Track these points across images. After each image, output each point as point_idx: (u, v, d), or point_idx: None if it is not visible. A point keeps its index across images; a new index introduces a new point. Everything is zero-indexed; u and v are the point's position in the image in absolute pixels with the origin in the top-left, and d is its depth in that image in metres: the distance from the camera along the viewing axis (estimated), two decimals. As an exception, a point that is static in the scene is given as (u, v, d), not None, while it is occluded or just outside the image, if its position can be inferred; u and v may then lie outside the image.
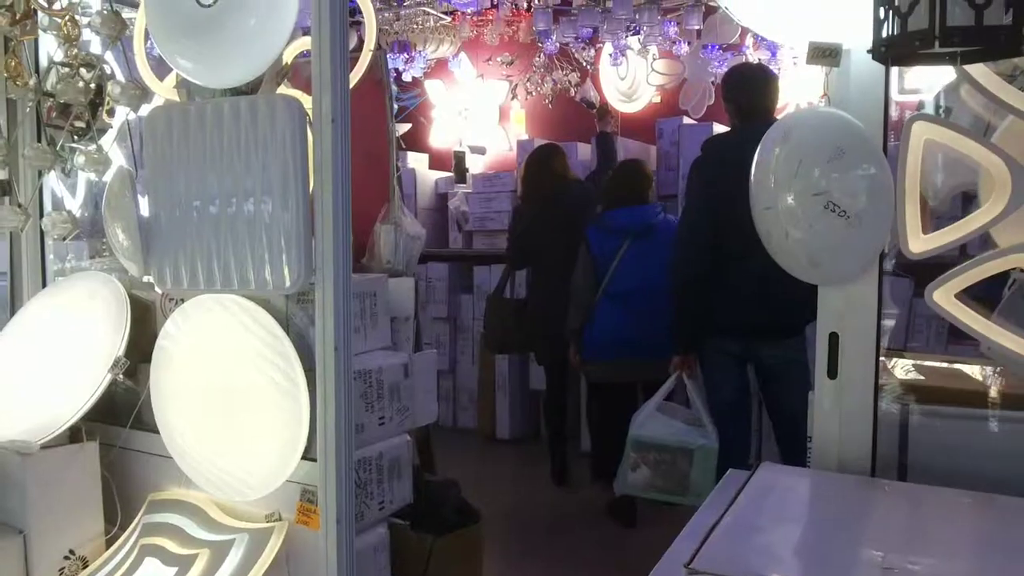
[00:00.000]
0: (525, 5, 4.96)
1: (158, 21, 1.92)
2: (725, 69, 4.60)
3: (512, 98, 5.90)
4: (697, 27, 4.35)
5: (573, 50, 5.23)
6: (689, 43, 4.59)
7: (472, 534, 2.54)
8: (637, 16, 4.00)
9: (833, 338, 1.41)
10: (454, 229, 5.70)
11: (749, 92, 3.12)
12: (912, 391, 1.42)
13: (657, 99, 5.47)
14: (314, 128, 1.84)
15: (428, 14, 5.07)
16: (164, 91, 2.16)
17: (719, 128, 4.88)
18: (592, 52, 5.37)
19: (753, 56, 4.53)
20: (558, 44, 4.81)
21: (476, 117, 6.06)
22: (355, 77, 2.10)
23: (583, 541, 3.86)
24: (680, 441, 3.03)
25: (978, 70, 1.19)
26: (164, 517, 2.08)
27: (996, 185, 1.20)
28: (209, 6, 1.85)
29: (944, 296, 1.23)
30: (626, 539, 3.86)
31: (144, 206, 2.02)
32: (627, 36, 4.29)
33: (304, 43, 2.05)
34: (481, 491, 2.87)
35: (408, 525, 2.32)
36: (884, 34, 1.01)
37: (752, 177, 1.45)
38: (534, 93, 5.59)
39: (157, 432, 2.10)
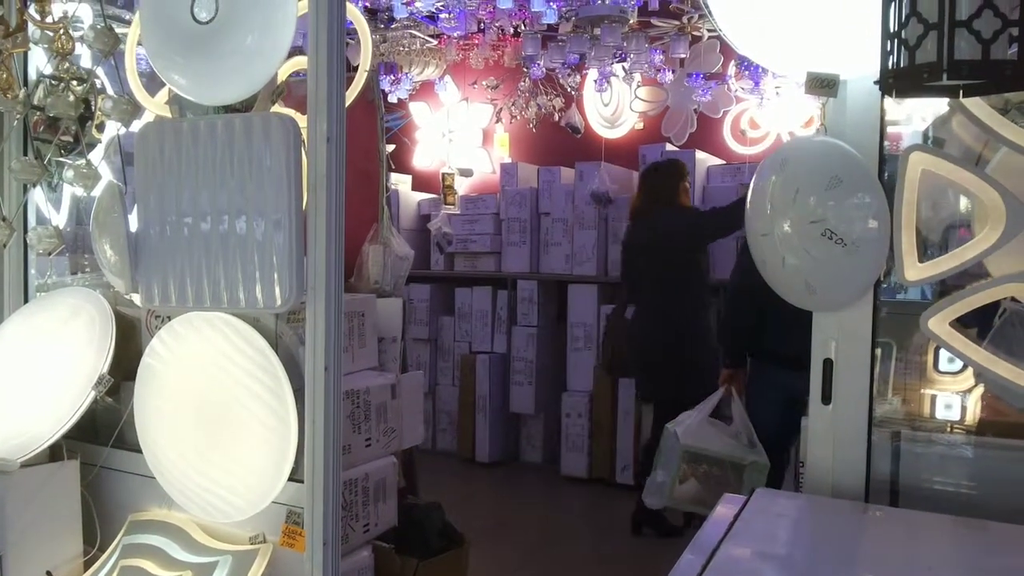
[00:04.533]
0: (511, 30, 5.00)
1: (153, 37, 1.91)
2: (709, 98, 4.66)
3: (496, 121, 5.94)
4: (683, 55, 4.41)
5: (558, 75, 5.28)
6: (673, 71, 4.64)
7: (456, 557, 2.52)
8: (625, 43, 4.04)
9: (827, 364, 1.42)
10: (435, 251, 5.71)
11: None
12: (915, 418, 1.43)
13: (640, 125, 5.52)
14: (309, 147, 1.84)
15: (415, 36, 5.09)
16: (155, 107, 2.14)
17: (702, 155, 4.94)
18: (577, 78, 5.42)
19: (735, 85, 4.59)
20: (544, 69, 4.85)
21: (460, 139, 6.08)
22: (349, 97, 2.10)
23: (572, 560, 3.84)
24: (732, 455, 2.96)
25: (973, 103, 1.21)
26: (145, 538, 2.04)
27: (991, 216, 1.22)
28: (206, 23, 1.85)
29: (939, 324, 1.25)
30: (614, 560, 3.85)
31: (133, 222, 2.00)
32: (613, 63, 4.33)
33: (299, 62, 2.05)
34: (463, 514, 2.85)
35: (392, 548, 2.30)
36: (890, 66, 1.03)
37: (748, 204, 1.46)
38: (518, 117, 5.62)
39: (139, 451, 2.07)
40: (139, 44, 2.13)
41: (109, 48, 2.04)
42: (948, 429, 1.44)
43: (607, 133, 5.58)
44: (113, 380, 2.07)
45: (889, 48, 1.03)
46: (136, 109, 2.03)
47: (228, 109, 1.99)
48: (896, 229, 1.25)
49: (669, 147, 5.04)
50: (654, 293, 3.95)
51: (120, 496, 2.17)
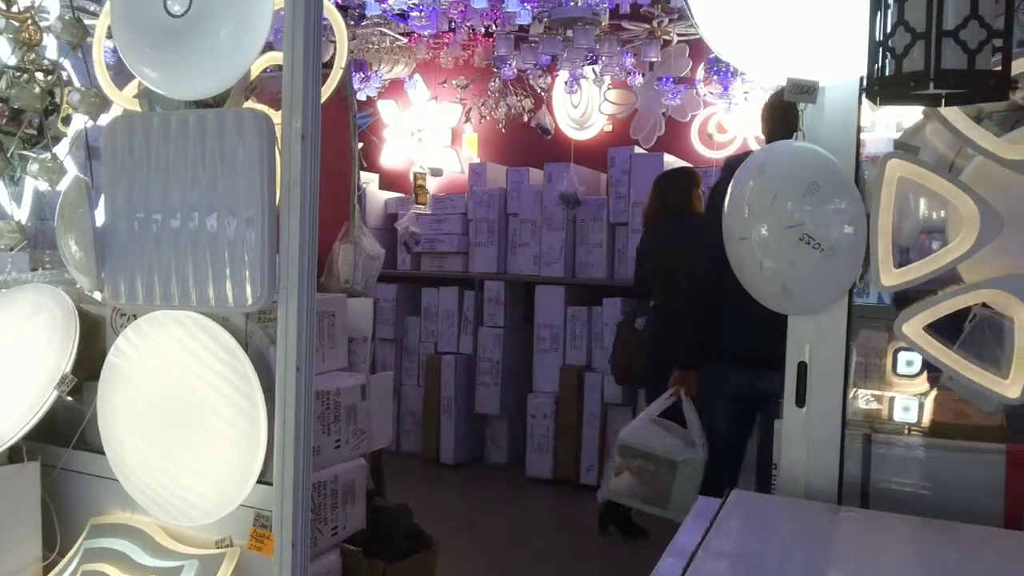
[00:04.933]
0: (483, 30, 4.99)
1: (124, 29, 1.87)
2: (678, 101, 4.69)
3: (466, 121, 5.92)
4: (654, 59, 4.43)
5: (528, 76, 5.28)
6: (643, 74, 4.67)
7: (424, 560, 2.50)
8: (597, 46, 4.05)
9: (801, 367, 1.43)
10: (402, 250, 5.67)
11: (767, 114, 3.20)
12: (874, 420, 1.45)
13: (608, 128, 5.55)
14: (283, 144, 1.81)
15: (384, 35, 5.05)
16: (124, 101, 2.10)
17: (670, 159, 4.98)
18: (548, 79, 5.43)
19: (704, 90, 4.62)
20: (515, 70, 4.85)
21: (428, 139, 6.06)
22: (324, 94, 2.08)
23: (540, 562, 3.84)
24: (667, 452, 3.01)
25: (950, 112, 1.23)
26: (107, 542, 2.00)
27: (965, 222, 1.24)
28: (179, 16, 1.81)
29: (913, 329, 1.27)
30: (581, 560, 3.85)
31: (99, 217, 1.96)
32: (584, 65, 4.34)
33: (272, 58, 2.02)
34: (429, 516, 2.83)
35: (360, 551, 2.27)
36: (876, 74, 1.04)
37: (725, 208, 1.47)
38: (488, 117, 5.61)
39: (102, 453, 2.02)
40: (108, 36, 2.09)
41: (78, 40, 2.00)
42: (906, 431, 1.46)
43: (576, 135, 5.59)
44: (76, 380, 2.01)
45: (875, 56, 1.04)
46: (104, 102, 1.99)
47: (199, 104, 1.96)
48: (873, 235, 1.27)
49: (638, 150, 5.07)
50: (666, 300, 3.90)
51: (81, 499, 2.12)
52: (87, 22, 2.05)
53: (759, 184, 1.37)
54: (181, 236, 1.85)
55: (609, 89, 5.34)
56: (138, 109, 2.18)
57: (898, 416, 1.57)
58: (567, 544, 4.10)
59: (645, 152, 5.10)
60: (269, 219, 1.80)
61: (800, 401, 1.43)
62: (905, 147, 1.34)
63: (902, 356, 1.56)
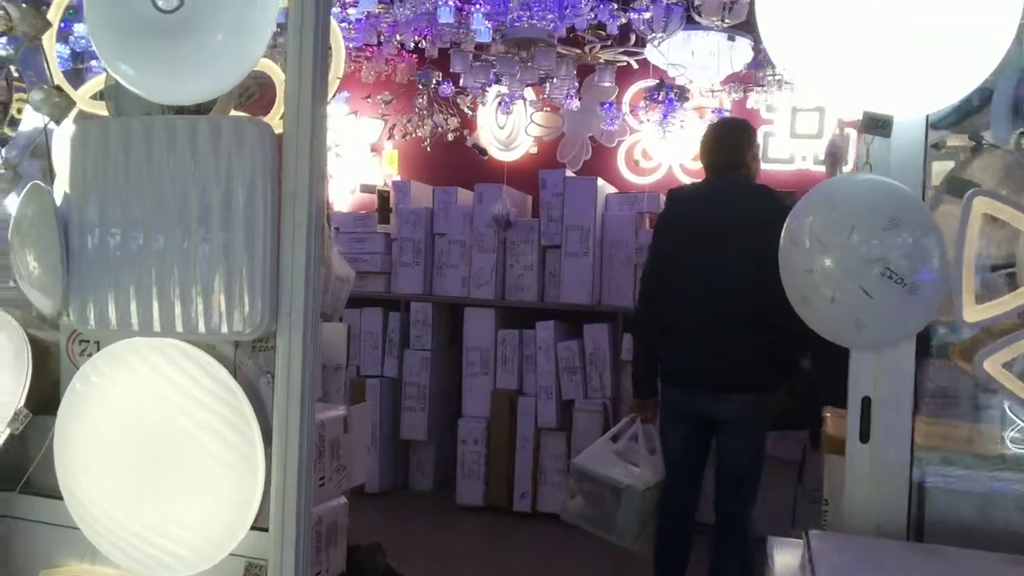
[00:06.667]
0: (411, 45, 4.87)
1: (101, 19, 1.67)
2: (615, 127, 4.72)
3: (389, 137, 5.77)
4: (607, 83, 4.44)
5: (470, 93, 5.14)
6: (580, 98, 4.67)
7: (400, 603, 2.35)
8: (553, 68, 4.02)
9: (865, 402, 1.41)
10: (321, 270, 5.43)
11: (706, 147, 3.18)
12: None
13: (534, 150, 5.52)
14: (287, 156, 1.67)
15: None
16: (83, 102, 1.88)
17: (603, 183, 4.99)
18: (472, 99, 5.35)
19: (644, 116, 4.66)
20: (453, 88, 4.75)
21: (348, 154, 5.86)
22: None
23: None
24: (612, 478, 3.01)
25: None
26: (62, 598, 1.77)
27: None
28: (169, 12, 1.63)
29: (993, 365, 1.26)
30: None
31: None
32: (526, 87, 4.29)
33: (264, 64, 1.87)
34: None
35: (339, 597, 2.11)
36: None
37: (785, 240, 1.44)
38: (414, 134, 5.48)
39: (56, 497, 1.79)
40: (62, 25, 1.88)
41: (36, 32, 1.78)
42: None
43: (501, 156, 5.54)
44: (31, 416, 1.78)
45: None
46: (70, 103, 1.78)
47: (179, 110, 1.78)
48: (956, 270, 1.26)
49: (569, 172, 5.07)
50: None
51: (28, 550, 1.87)
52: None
53: (831, 217, 1.35)
54: (166, 256, 1.67)
55: (536, 112, 5.33)
56: (96, 112, 1.97)
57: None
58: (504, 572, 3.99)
59: (574, 175, 5.10)
60: (271, 237, 1.65)
61: (864, 437, 1.40)
62: (962, 181, 1.35)
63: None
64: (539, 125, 5.35)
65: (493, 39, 3.67)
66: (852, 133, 3.43)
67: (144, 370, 1.71)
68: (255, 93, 1.78)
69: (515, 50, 3.82)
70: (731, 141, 3.08)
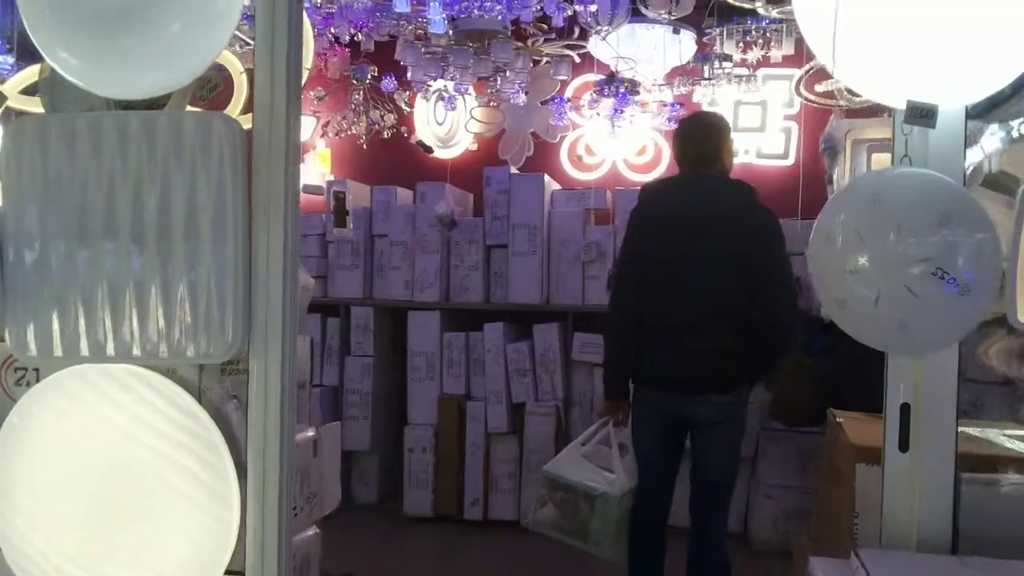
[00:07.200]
0: (347, 39, 4.66)
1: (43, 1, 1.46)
2: (565, 122, 4.62)
3: (322, 135, 5.53)
4: (563, 77, 4.32)
5: (414, 90, 4.93)
6: (527, 93, 4.55)
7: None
8: (510, 61, 3.87)
9: (905, 409, 1.32)
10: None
11: (679, 141, 3.09)
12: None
13: (474, 147, 5.37)
14: (258, 158, 1.49)
15: (237, 38, 4.58)
16: (14, 97, 1.66)
17: (549, 180, 4.89)
18: (408, 93, 5.16)
19: (588, 112, 4.57)
20: (396, 83, 4.56)
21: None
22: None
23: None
24: (585, 485, 2.89)
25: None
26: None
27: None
28: (121, -6, 1.43)
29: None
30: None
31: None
32: (474, 82, 4.13)
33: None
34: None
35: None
36: None
37: (817, 238, 1.34)
38: (348, 132, 5.25)
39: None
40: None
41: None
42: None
43: (440, 153, 5.37)
44: (-41, 456, 1.55)
45: None
46: (2, 97, 1.56)
47: (126, 105, 1.58)
48: (1010, 270, 1.18)
49: (514, 169, 4.94)
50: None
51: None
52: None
53: (874, 214, 1.25)
54: (120, 270, 1.47)
55: (476, 108, 5.18)
56: (29, 108, 1.75)
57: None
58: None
59: (517, 172, 4.98)
60: (243, 247, 1.47)
61: (904, 446, 1.32)
62: (1000, 175, 1.27)
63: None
64: (479, 121, 5.20)
65: (447, 31, 3.50)
66: (844, 124, 3.40)
67: (95, 401, 1.51)
68: (218, 85, 1.59)
69: (467, 42, 3.66)
70: (707, 135, 3.01)
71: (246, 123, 1.54)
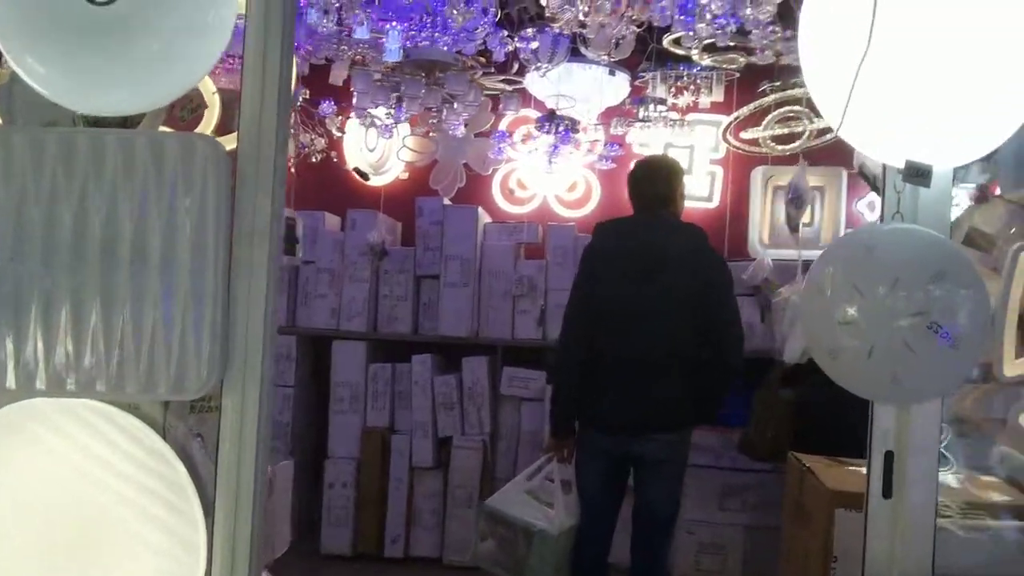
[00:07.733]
0: (280, 60, 4.55)
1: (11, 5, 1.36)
2: (503, 156, 4.62)
3: (248, 158, 5.36)
4: (513, 112, 4.32)
5: (321, 114, 4.86)
6: (467, 124, 4.54)
7: None
8: (464, 93, 3.84)
9: (888, 457, 1.36)
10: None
11: (633, 182, 3.11)
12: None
13: (405, 175, 5.31)
14: (243, 184, 1.42)
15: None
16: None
17: (482, 212, 4.87)
18: (340, 119, 5.07)
19: (523, 148, 4.60)
20: (334, 106, 4.46)
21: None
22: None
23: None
24: (524, 521, 2.86)
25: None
26: None
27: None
28: (101, 4, 1.35)
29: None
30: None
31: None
32: (421, 110, 4.08)
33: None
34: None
35: None
36: None
37: (809, 289, 1.37)
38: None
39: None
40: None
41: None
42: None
43: (371, 180, 5.29)
44: None
45: None
46: (-43, 108, 1.44)
47: (96, 123, 1.49)
48: (999, 325, 1.23)
49: (447, 200, 4.91)
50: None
51: None
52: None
53: (869, 266, 1.29)
54: (85, 298, 1.37)
55: (408, 136, 5.13)
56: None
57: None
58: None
59: (450, 203, 4.95)
60: (222, 277, 1.40)
61: (887, 492, 1.35)
62: (977, 233, 1.33)
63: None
64: (412, 150, 5.15)
65: (400, 61, 3.46)
66: (810, 177, 3.51)
67: (51, 440, 1.40)
68: (200, 106, 1.51)
69: (418, 72, 3.63)
70: (662, 177, 3.06)
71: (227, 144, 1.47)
